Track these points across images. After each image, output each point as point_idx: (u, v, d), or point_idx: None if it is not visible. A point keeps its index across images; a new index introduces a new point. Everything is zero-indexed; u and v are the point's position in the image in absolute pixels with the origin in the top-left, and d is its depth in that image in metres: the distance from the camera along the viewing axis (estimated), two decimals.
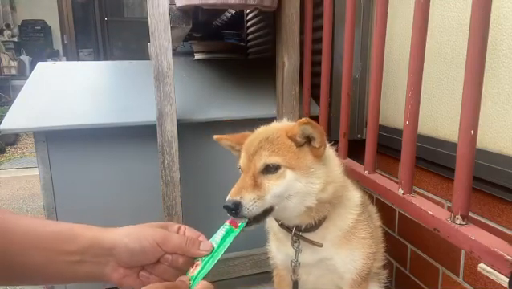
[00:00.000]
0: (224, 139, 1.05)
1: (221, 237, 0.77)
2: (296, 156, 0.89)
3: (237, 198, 0.82)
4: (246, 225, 0.82)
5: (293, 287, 1.08)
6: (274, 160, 0.87)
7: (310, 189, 0.90)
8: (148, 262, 0.71)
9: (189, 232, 0.77)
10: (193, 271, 0.71)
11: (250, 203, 0.82)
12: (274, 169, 0.87)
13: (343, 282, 1.07)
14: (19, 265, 0.64)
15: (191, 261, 0.73)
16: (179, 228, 0.77)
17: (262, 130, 1.00)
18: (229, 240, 0.77)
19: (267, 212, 0.87)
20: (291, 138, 0.91)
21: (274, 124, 1.03)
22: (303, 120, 0.88)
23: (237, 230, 0.80)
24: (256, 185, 0.86)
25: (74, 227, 0.70)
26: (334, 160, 1.01)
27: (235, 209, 0.81)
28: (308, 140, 0.92)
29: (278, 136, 0.91)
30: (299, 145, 0.91)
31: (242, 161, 0.92)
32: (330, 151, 1.01)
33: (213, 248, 0.75)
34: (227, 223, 0.81)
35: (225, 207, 0.82)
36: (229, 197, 0.83)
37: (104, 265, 0.69)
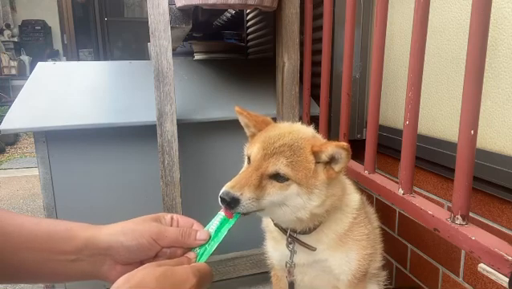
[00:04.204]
0: (244, 115, 1.00)
1: (217, 226, 0.77)
2: (309, 173, 0.87)
3: (237, 194, 0.80)
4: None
5: (289, 288, 1.08)
6: (286, 171, 0.85)
7: (307, 204, 0.88)
8: (147, 258, 0.71)
9: (182, 220, 0.77)
10: None
11: (248, 202, 0.81)
12: (282, 179, 0.85)
13: (339, 283, 1.07)
14: (14, 263, 0.64)
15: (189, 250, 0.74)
16: (171, 218, 0.77)
17: (286, 129, 0.94)
18: (224, 231, 0.76)
19: (257, 211, 0.86)
20: (316, 153, 0.88)
21: (300, 129, 0.98)
22: (344, 145, 0.85)
23: (232, 221, 0.79)
24: (259, 186, 0.83)
25: (69, 226, 0.69)
26: (341, 181, 0.99)
27: (231, 204, 0.79)
28: (330, 160, 0.89)
29: (302, 148, 0.88)
30: (318, 162, 0.89)
31: (255, 155, 0.88)
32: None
33: (210, 236, 0.74)
34: (221, 213, 0.80)
35: (221, 199, 0.79)
36: (228, 189, 0.80)
37: (101, 264, 0.69)
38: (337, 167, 0.89)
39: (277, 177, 0.85)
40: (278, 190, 0.85)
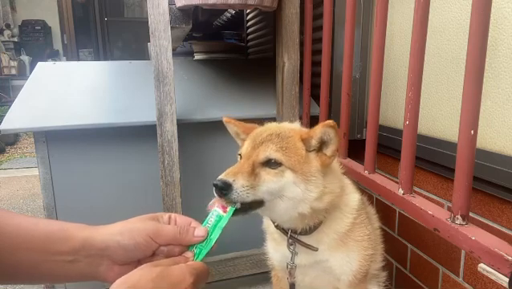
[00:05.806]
0: (232, 123, 1.02)
1: (213, 223, 0.77)
2: (302, 160, 0.87)
3: (230, 180, 0.79)
4: (233, 214, 0.79)
5: None
6: (278, 156, 0.85)
7: (306, 195, 0.88)
8: (144, 257, 0.71)
9: (180, 219, 0.76)
10: None
11: (242, 189, 0.80)
12: (274, 165, 0.85)
13: (340, 284, 1.07)
14: (12, 264, 0.64)
15: (187, 249, 0.74)
16: (169, 217, 0.76)
17: (273, 125, 0.98)
18: (220, 227, 0.76)
19: (256, 204, 0.85)
20: (305, 140, 0.89)
21: (287, 124, 1.02)
22: (329, 122, 0.85)
23: (227, 216, 0.78)
24: (252, 174, 0.83)
25: (66, 227, 0.69)
26: (336, 172, 1.00)
27: (224, 190, 0.78)
28: (321, 146, 0.90)
29: (289, 136, 0.89)
30: (309, 150, 0.89)
31: (245, 149, 0.90)
32: (335, 162, 0.99)
33: (208, 232, 0.74)
34: (216, 209, 0.79)
35: (214, 185, 0.79)
36: (220, 176, 0.80)
37: (98, 265, 0.69)
38: (328, 151, 0.90)
39: (269, 163, 0.86)
40: (273, 177, 0.85)
